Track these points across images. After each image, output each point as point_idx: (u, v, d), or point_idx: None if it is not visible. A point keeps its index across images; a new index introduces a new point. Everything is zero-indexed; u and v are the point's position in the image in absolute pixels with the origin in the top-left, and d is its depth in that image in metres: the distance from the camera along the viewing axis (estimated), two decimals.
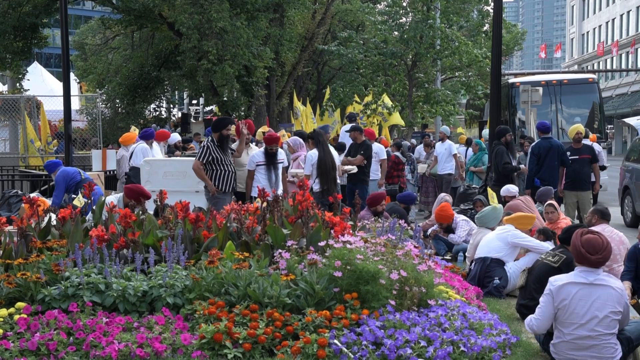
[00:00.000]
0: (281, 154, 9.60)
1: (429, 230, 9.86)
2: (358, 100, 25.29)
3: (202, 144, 9.21)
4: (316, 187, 9.61)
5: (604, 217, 7.55)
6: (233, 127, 9.59)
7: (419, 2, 23.30)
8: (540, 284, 5.85)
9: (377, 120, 24.31)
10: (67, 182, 9.58)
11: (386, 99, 23.61)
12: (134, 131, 13.43)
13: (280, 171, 9.42)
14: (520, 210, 8.73)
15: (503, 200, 9.80)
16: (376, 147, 12.07)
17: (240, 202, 7.08)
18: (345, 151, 11.39)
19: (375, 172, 11.91)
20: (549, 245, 7.32)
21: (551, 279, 4.98)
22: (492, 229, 8.12)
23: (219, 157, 8.63)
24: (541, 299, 4.97)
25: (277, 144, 9.48)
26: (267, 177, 9.24)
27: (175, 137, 15.41)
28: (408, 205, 10.31)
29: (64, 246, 5.83)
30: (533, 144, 11.23)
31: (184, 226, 6.11)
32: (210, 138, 8.87)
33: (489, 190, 10.02)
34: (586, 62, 62.31)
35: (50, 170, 9.95)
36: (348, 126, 14.83)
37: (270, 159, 9.30)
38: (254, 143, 11.15)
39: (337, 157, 10.45)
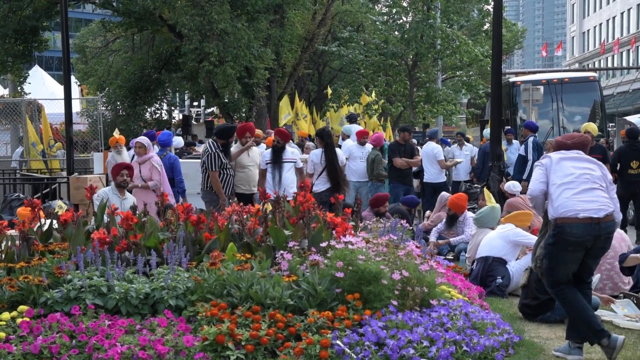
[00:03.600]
0: (291, 154, 9.49)
1: (432, 232, 9.83)
2: (360, 101, 25.31)
3: (206, 150, 8.98)
4: (317, 188, 9.60)
5: None
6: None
7: (419, 1, 23.29)
8: (542, 283, 5.86)
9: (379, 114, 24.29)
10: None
11: (367, 99, 23.71)
12: (117, 134, 13.40)
13: (284, 170, 9.32)
14: (519, 208, 8.76)
15: (504, 196, 9.85)
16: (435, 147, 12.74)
17: (241, 204, 7.06)
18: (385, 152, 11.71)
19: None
20: None
21: (548, 155, 5.54)
22: (492, 229, 8.13)
23: (225, 162, 8.72)
24: (534, 172, 5.54)
25: (282, 138, 9.41)
26: (272, 175, 9.21)
27: (179, 141, 15.38)
28: (411, 208, 10.31)
29: (65, 249, 5.83)
30: (533, 140, 11.20)
31: (185, 228, 6.11)
32: (215, 144, 8.83)
33: (485, 190, 10.04)
34: (587, 60, 62.22)
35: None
36: (352, 126, 14.81)
37: (276, 156, 9.24)
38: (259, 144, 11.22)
39: (341, 158, 10.46)
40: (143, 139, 9.90)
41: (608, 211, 5.13)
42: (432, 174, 12.53)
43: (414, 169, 12.42)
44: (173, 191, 9.45)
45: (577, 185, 5.16)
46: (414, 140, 13.41)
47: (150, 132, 12.88)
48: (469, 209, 11.06)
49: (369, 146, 12.17)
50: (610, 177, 5.40)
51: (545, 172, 5.32)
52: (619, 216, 5.32)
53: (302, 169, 9.56)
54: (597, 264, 5.44)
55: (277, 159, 9.25)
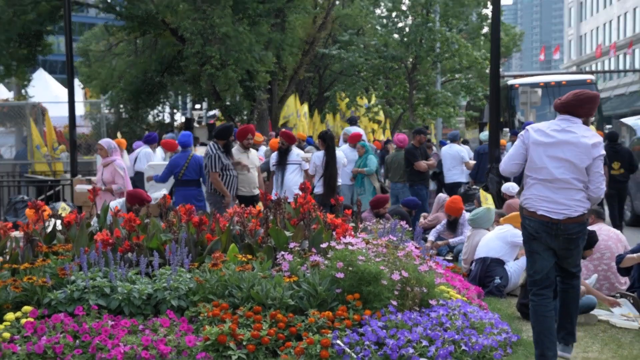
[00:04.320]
0: (296, 156, 9.50)
1: (432, 232, 9.88)
2: (360, 104, 25.38)
3: (207, 153, 8.89)
4: (318, 190, 9.66)
5: (600, 216, 7.72)
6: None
7: (418, 5, 23.36)
8: None
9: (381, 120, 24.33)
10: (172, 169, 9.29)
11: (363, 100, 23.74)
12: (120, 137, 13.48)
13: (288, 172, 9.31)
14: (517, 209, 8.82)
15: (502, 198, 9.90)
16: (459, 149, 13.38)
17: (242, 206, 7.12)
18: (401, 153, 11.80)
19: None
20: None
21: (527, 127, 5.18)
22: (488, 230, 8.19)
23: (227, 163, 8.69)
24: (514, 144, 5.22)
25: (287, 140, 9.42)
26: (275, 177, 9.25)
27: None
28: (411, 210, 10.36)
29: (69, 250, 5.90)
30: None
31: (187, 229, 6.17)
32: (216, 145, 8.82)
33: (482, 192, 10.09)
34: (584, 63, 62.19)
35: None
36: (351, 128, 14.87)
37: (280, 158, 9.28)
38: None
39: (343, 160, 10.50)
40: (104, 142, 9.30)
41: (571, 215, 4.93)
42: (455, 174, 13.24)
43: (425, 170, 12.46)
44: (197, 192, 9.18)
45: (549, 182, 4.95)
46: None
47: (152, 135, 12.97)
48: (467, 210, 11.12)
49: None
50: (600, 153, 5.04)
51: (525, 152, 5.07)
52: (601, 190, 5.06)
53: (308, 170, 9.57)
54: (574, 264, 5.16)
55: (281, 161, 9.29)
